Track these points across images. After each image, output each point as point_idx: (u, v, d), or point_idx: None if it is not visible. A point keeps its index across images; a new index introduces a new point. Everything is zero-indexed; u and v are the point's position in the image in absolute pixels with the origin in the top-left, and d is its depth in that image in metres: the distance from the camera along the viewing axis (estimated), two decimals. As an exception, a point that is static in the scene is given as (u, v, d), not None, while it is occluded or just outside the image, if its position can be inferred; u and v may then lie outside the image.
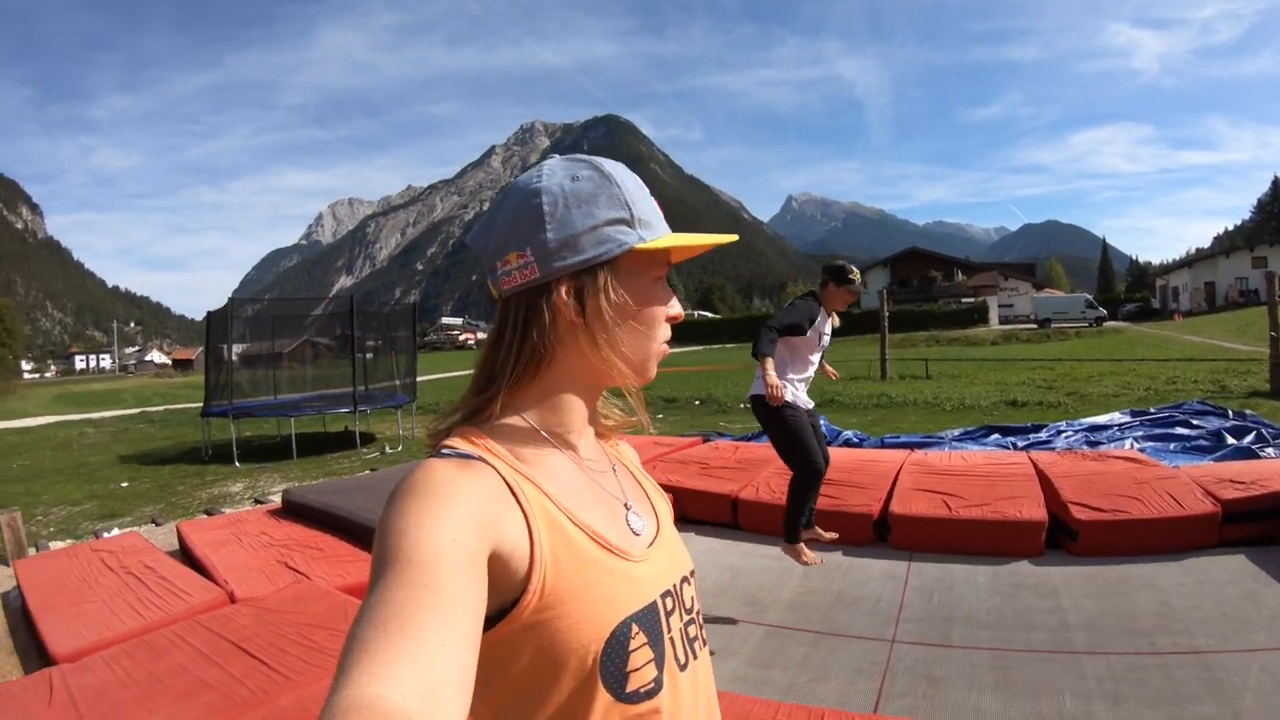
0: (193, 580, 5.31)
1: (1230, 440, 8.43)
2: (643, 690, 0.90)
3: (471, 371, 1.02)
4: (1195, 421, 9.50)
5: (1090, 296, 57.75)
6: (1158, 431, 9.26)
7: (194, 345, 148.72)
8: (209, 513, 8.90)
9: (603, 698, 0.86)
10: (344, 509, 6.73)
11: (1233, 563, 5.05)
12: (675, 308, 1.04)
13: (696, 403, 18.52)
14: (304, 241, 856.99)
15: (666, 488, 7.05)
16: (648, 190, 1.02)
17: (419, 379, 17.50)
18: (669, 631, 0.96)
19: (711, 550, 6.35)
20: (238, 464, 13.67)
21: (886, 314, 23.02)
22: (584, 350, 0.96)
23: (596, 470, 1.04)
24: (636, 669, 0.89)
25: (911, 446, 9.40)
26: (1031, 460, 7.18)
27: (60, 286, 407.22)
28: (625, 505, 1.03)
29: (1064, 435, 9.72)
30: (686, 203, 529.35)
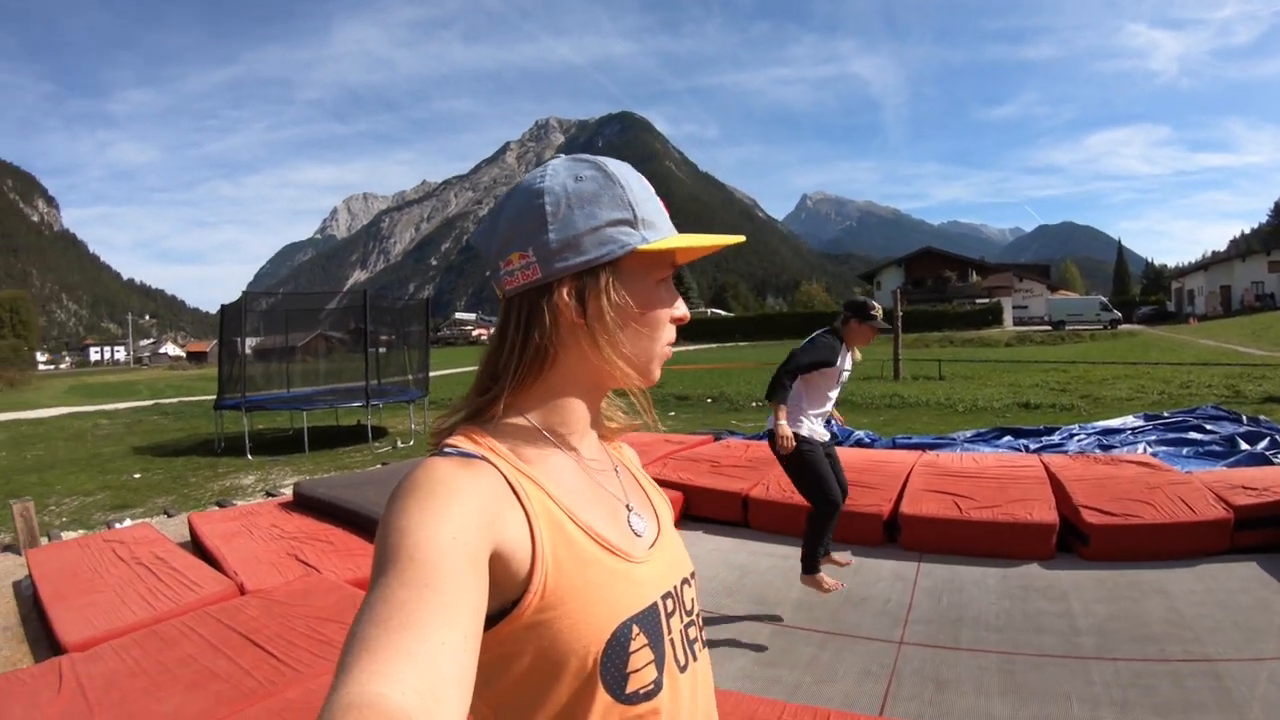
0: (203, 571, 5.34)
1: (1244, 446, 8.37)
2: (643, 691, 0.90)
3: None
4: (1209, 426, 9.44)
5: (1105, 299, 57.31)
6: (1171, 436, 9.21)
7: (208, 338, 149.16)
8: (221, 504, 8.94)
9: (602, 698, 0.86)
10: (355, 502, 6.75)
11: (1244, 570, 5.02)
12: (680, 309, 1.03)
13: (708, 400, 18.50)
14: (319, 236, 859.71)
15: (677, 485, 7.11)
16: (653, 191, 1.01)
17: (431, 374, 17.53)
18: (669, 633, 0.95)
19: (720, 549, 6.34)
20: (250, 456, 13.74)
21: (900, 314, 22.95)
22: (586, 351, 0.95)
23: (599, 471, 1.04)
24: (637, 670, 0.89)
25: (923, 447, 9.37)
26: (1043, 463, 7.15)
27: (76, 279, 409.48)
28: (627, 506, 1.03)
29: (1076, 438, 9.68)
30: (701, 200, 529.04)
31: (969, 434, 10.42)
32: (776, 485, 6.84)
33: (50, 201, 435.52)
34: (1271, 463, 7.61)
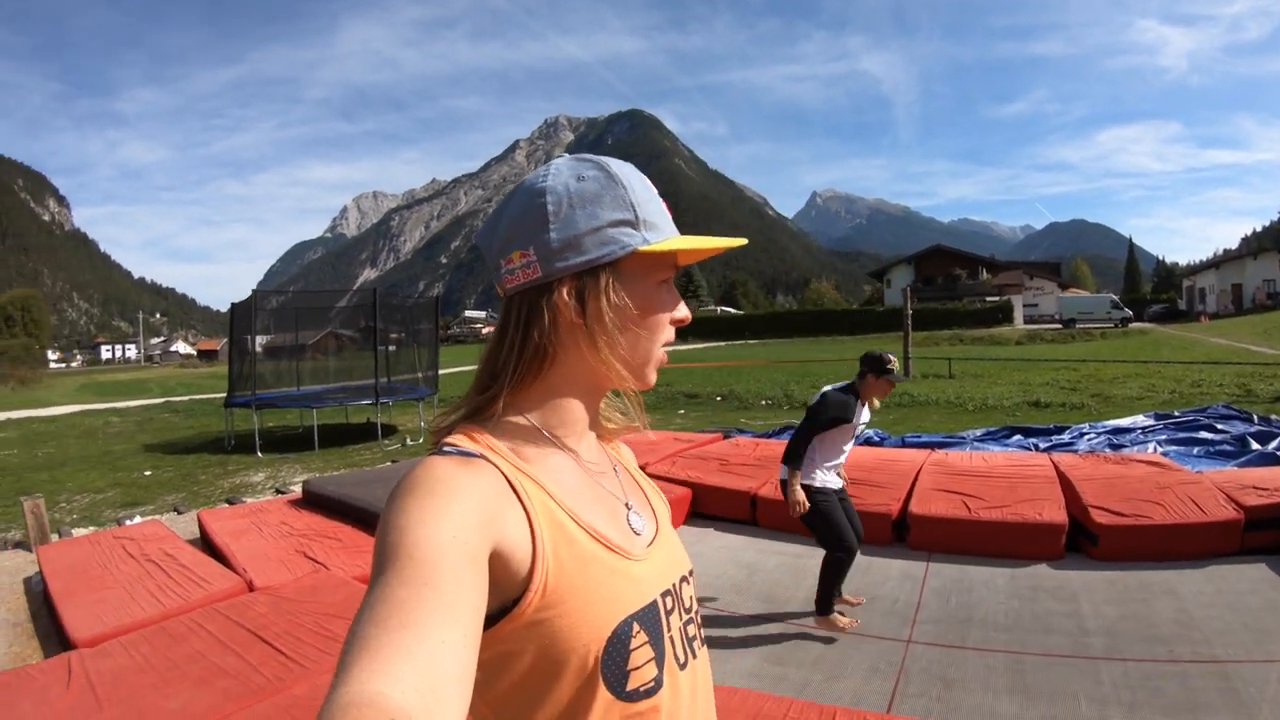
0: (212, 568, 5.36)
1: (1255, 446, 8.33)
2: (643, 689, 0.90)
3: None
4: (1220, 426, 9.40)
5: (1116, 297, 57.07)
6: (1181, 435, 9.17)
7: (219, 336, 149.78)
8: (230, 502, 8.98)
9: (603, 696, 0.87)
10: (363, 500, 6.77)
11: (1254, 571, 5.00)
12: (681, 311, 1.03)
13: (718, 399, 18.51)
14: (328, 234, 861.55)
15: (686, 483, 7.10)
16: (656, 192, 1.01)
17: (441, 372, 17.56)
18: (669, 631, 0.96)
19: (729, 546, 6.34)
20: (260, 454, 13.79)
21: (910, 312, 22.90)
22: (584, 352, 0.95)
23: (598, 471, 1.04)
24: (637, 668, 0.89)
25: (933, 446, 9.35)
26: (1053, 462, 7.13)
27: (87, 277, 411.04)
28: (626, 505, 1.03)
29: (1087, 437, 9.64)
30: (710, 198, 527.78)
31: (979, 433, 10.40)
32: (785, 484, 6.85)
33: (61, 201, 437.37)
34: (1283, 462, 7.57)
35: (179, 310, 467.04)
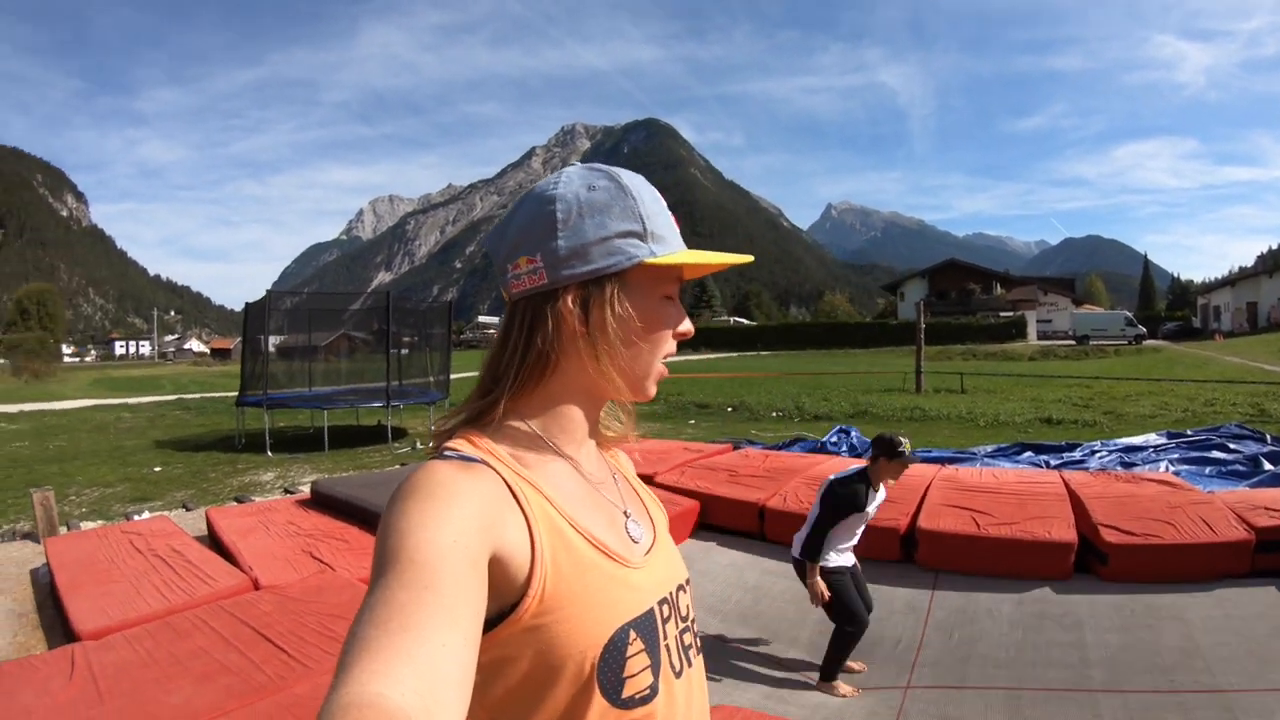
0: (218, 565, 5.38)
1: (1267, 466, 8.27)
2: (638, 697, 0.90)
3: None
4: (1232, 445, 9.34)
5: (1130, 314, 56.81)
6: (1194, 455, 9.11)
7: (232, 335, 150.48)
8: (239, 500, 9.01)
9: (599, 703, 0.86)
10: (371, 502, 6.79)
11: (1264, 595, 4.93)
12: (684, 325, 1.03)
13: (729, 409, 18.49)
14: (344, 237, 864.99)
15: (694, 493, 7.09)
16: (665, 205, 1.02)
17: (452, 376, 17.61)
18: (665, 639, 0.95)
19: (735, 565, 6.32)
20: (270, 453, 13.84)
21: (923, 326, 22.86)
22: (585, 361, 0.95)
23: (597, 478, 1.04)
24: (633, 675, 0.89)
25: (943, 461, 9.32)
26: (1064, 480, 7.09)
27: (103, 273, 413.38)
28: (624, 513, 1.03)
29: (1098, 455, 9.60)
30: (725, 208, 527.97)
31: (989, 449, 10.36)
32: (794, 496, 6.82)
33: (79, 197, 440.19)
34: (1295, 484, 7.51)
35: (193, 308, 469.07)
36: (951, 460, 9.53)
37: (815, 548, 4.42)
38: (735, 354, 58.20)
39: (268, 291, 15.58)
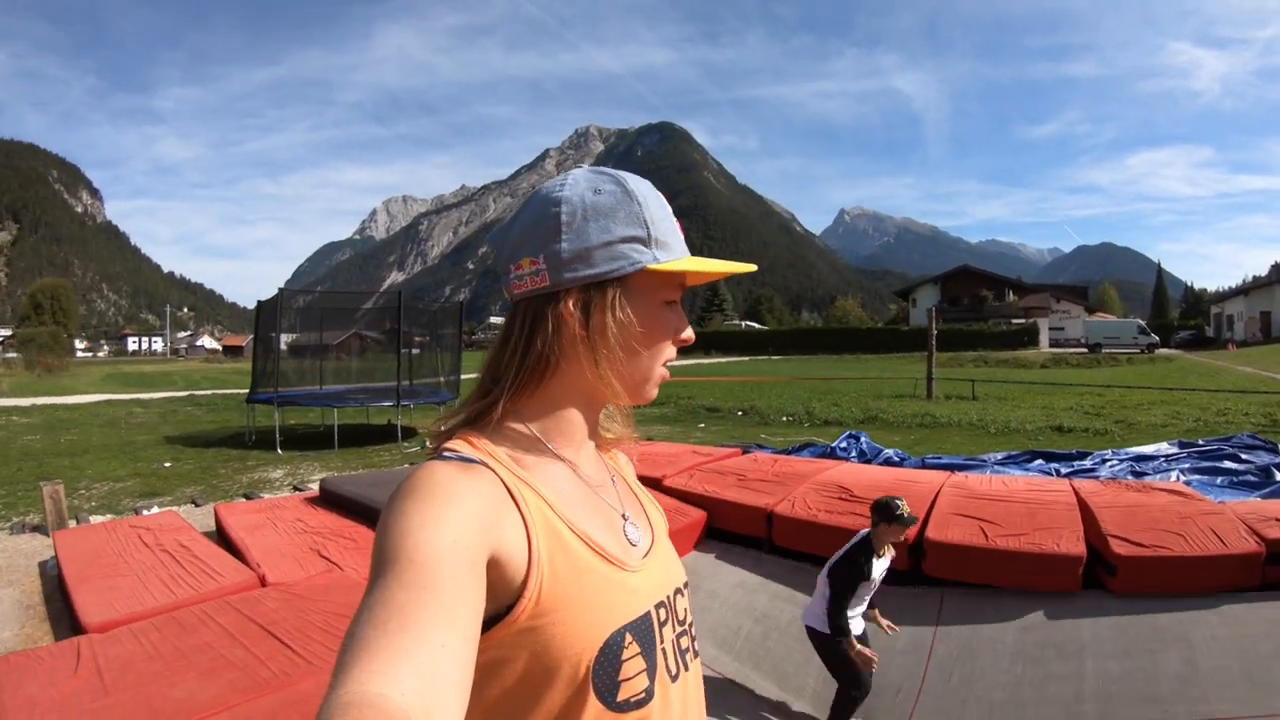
0: (225, 561, 5.39)
1: (1279, 477, 8.22)
2: (634, 700, 0.90)
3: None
4: (1244, 456, 9.27)
5: (1143, 322, 56.52)
6: (1205, 464, 9.05)
7: (245, 332, 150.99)
8: (248, 496, 9.04)
9: (594, 705, 0.86)
10: (379, 501, 6.75)
11: (1270, 611, 4.85)
12: (685, 332, 1.03)
13: (739, 413, 18.46)
14: (357, 236, 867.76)
15: (702, 497, 7.07)
16: (671, 211, 1.02)
17: (463, 376, 17.63)
18: (661, 642, 0.96)
19: (744, 586, 6.26)
20: (280, 451, 13.88)
21: (935, 332, 22.80)
22: (584, 364, 0.95)
23: (595, 481, 1.04)
24: (628, 679, 0.89)
25: (953, 468, 9.27)
26: (1074, 488, 7.04)
27: (117, 270, 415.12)
28: (623, 516, 1.03)
29: (1109, 464, 9.54)
30: (739, 212, 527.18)
31: (1000, 456, 10.31)
32: (803, 502, 6.78)
33: (94, 193, 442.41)
34: (1308, 496, 7.45)
35: (206, 305, 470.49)
36: (961, 467, 9.48)
37: (844, 625, 4.38)
38: (746, 358, 58.20)
39: (280, 290, 15.64)
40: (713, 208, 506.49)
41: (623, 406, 1.09)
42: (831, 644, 4.45)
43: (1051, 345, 56.43)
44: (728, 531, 7.00)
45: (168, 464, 12.46)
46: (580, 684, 0.86)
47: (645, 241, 0.96)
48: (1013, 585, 5.45)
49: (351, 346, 22.31)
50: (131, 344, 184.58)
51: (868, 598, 4.61)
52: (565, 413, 1.00)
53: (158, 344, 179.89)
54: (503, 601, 0.84)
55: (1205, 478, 8.45)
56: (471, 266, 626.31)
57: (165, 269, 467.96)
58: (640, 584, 0.96)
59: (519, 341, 0.96)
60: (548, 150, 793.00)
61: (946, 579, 5.72)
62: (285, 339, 17.67)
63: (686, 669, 1.01)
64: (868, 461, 10.05)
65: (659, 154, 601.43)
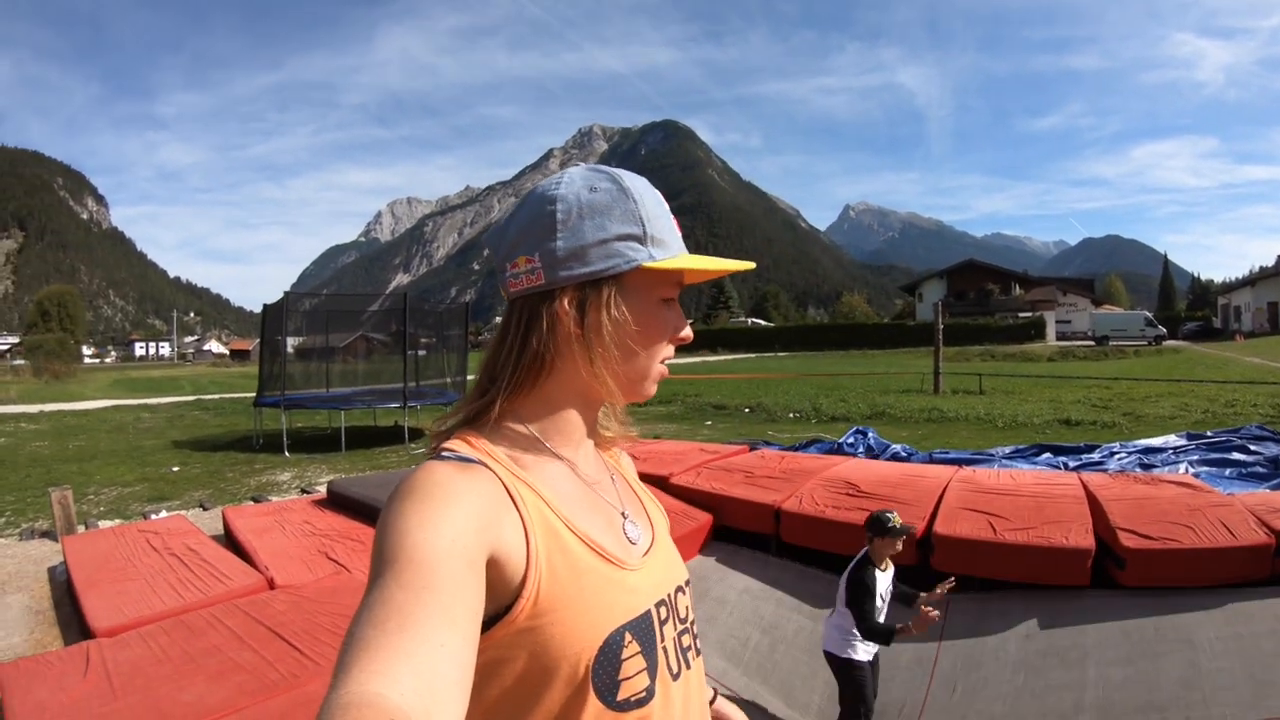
0: (234, 565, 5.40)
1: (1288, 468, 8.19)
2: (634, 699, 0.89)
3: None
4: (1253, 447, 9.23)
5: (1150, 314, 56.35)
6: (1213, 456, 9.02)
7: (251, 336, 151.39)
8: (256, 500, 9.06)
9: (594, 705, 0.86)
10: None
11: (1277, 608, 4.85)
12: (683, 330, 1.03)
13: (746, 410, 18.46)
14: (362, 239, 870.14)
15: (710, 495, 7.06)
16: (668, 209, 1.01)
17: (469, 377, 17.64)
18: (662, 641, 0.95)
19: (750, 593, 6.23)
20: (287, 454, 13.90)
21: (941, 327, 22.76)
22: (580, 362, 0.95)
23: (594, 479, 1.04)
24: (628, 678, 0.89)
25: (960, 463, 9.25)
26: (1082, 481, 7.02)
27: (123, 275, 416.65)
28: (622, 514, 1.03)
29: (1117, 457, 9.51)
30: (743, 210, 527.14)
31: (1007, 450, 10.29)
32: (810, 498, 6.77)
33: (99, 200, 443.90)
34: (1317, 486, 7.41)
35: (213, 310, 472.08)
36: (969, 461, 9.46)
37: (882, 630, 4.32)
38: (753, 355, 58.18)
39: (285, 293, 15.69)
40: (717, 205, 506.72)
41: (619, 405, 1.09)
42: (849, 671, 4.44)
43: (1058, 338, 56.26)
44: (735, 529, 6.98)
45: (175, 468, 12.49)
46: (580, 683, 0.86)
47: (641, 239, 0.95)
48: (1021, 579, 5.44)
49: (358, 349, 22.35)
50: (139, 349, 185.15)
51: (882, 617, 4.60)
52: (563, 411, 1.00)
53: (165, 349, 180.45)
54: (502, 601, 0.84)
55: (1214, 469, 8.43)
56: (477, 267, 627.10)
57: (171, 274, 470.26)
58: (640, 582, 0.95)
59: (515, 340, 0.95)
60: (551, 150, 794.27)
61: (955, 574, 5.69)
62: (292, 342, 17.71)
63: (688, 667, 1.00)
64: (875, 457, 10.04)
65: (663, 152, 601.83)
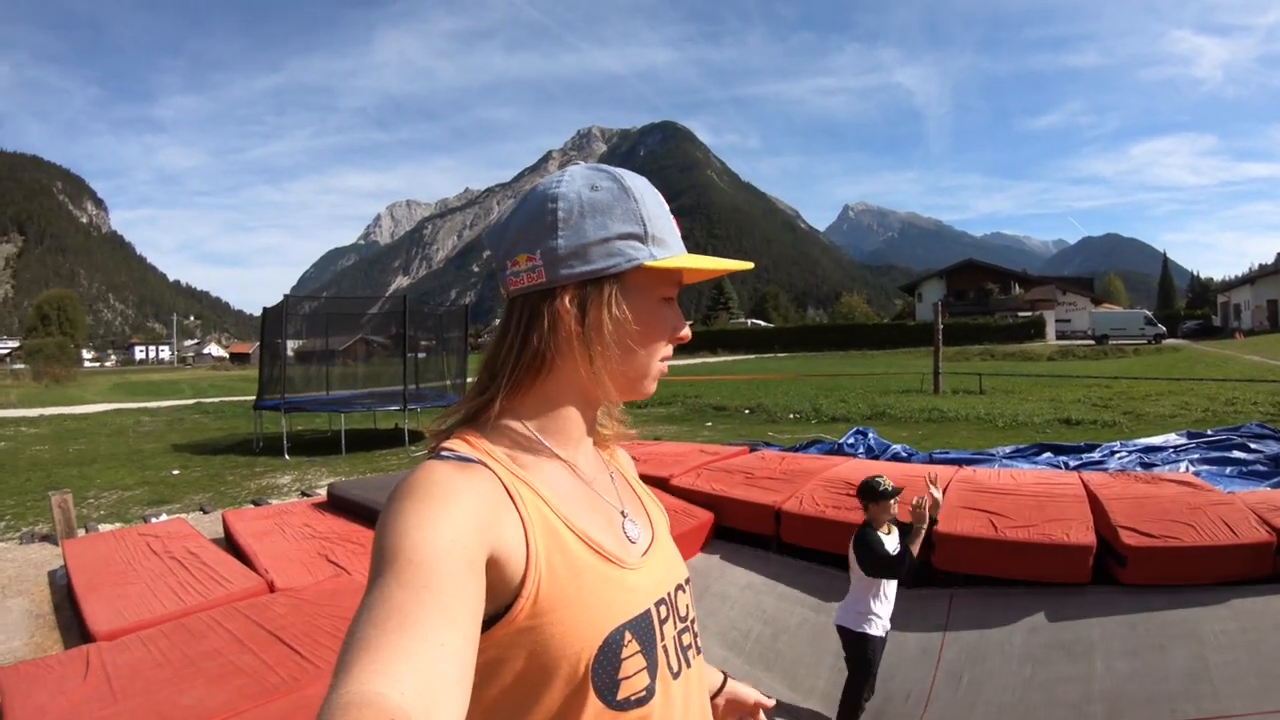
0: (234, 568, 5.40)
1: (1289, 466, 8.19)
2: (634, 698, 0.89)
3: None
4: (1254, 445, 9.23)
5: (1149, 313, 56.30)
6: (1214, 455, 9.01)
7: (251, 340, 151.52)
8: (256, 503, 9.05)
9: (594, 704, 0.86)
10: (387, 505, 6.78)
11: (1280, 604, 4.85)
12: (682, 330, 1.03)
13: (746, 411, 18.46)
14: (362, 241, 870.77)
15: (710, 496, 7.05)
16: (668, 208, 1.02)
17: (469, 379, 17.62)
18: (662, 640, 0.95)
19: (752, 587, 6.24)
20: (287, 457, 13.91)
21: (941, 326, 22.76)
22: (580, 361, 0.95)
23: (594, 478, 1.04)
24: (628, 677, 0.89)
25: (961, 463, 9.24)
26: (1082, 481, 7.01)
27: (122, 279, 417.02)
28: (622, 513, 1.03)
29: (1118, 456, 9.51)
30: (742, 210, 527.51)
31: (1008, 450, 10.28)
32: (810, 499, 6.77)
33: (99, 203, 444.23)
34: (1318, 484, 7.41)
35: (212, 313, 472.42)
36: (970, 461, 9.46)
37: (895, 560, 4.33)
38: (752, 356, 58.21)
39: (285, 296, 15.71)
40: (716, 206, 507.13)
41: (618, 403, 1.08)
42: (862, 646, 4.45)
43: (1058, 337, 56.25)
44: (736, 530, 6.98)
45: (176, 472, 12.49)
46: (579, 683, 0.85)
47: (642, 238, 0.95)
48: (1023, 577, 5.43)
49: (358, 352, 22.38)
50: (139, 353, 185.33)
51: (891, 589, 4.59)
52: (562, 410, 0.99)
53: (165, 352, 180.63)
54: (502, 601, 0.84)
55: (1214, 468, 8.43)
56: (476, 269, 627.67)
57: (171, 278, 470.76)
58: (639, 581, 0.95)
59: (515, 338, 0.95)
60: (550, 152, 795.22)
61: (957, 572, 5.69)
62: (292, 345, 17.73)
63: (689, 665, 1.00)
64: (875, 457, 10.04)
65: (661, 154, 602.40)
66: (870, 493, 4.50)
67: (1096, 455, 9.61)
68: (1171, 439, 10.21)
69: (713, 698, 1.26)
